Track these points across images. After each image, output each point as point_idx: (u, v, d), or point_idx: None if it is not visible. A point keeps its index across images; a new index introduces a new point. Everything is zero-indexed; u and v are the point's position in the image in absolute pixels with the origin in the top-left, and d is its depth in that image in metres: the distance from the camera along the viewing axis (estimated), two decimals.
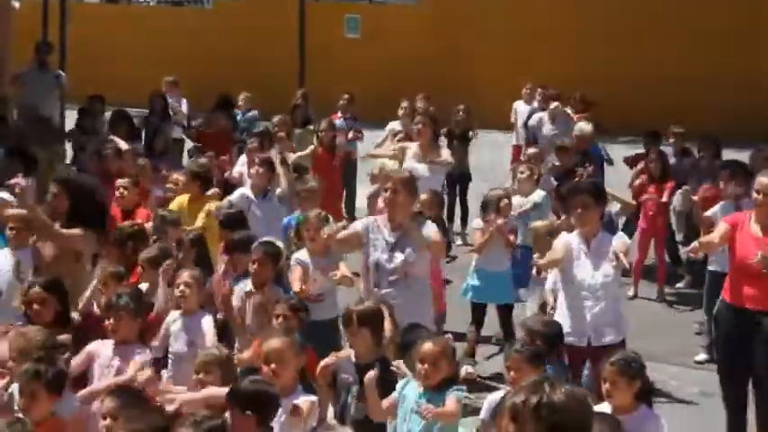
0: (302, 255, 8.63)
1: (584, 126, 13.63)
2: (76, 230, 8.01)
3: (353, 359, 6.82)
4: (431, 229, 8.16)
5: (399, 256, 8.00)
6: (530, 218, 10.75)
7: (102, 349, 6.96)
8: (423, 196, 10.29)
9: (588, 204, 7.98)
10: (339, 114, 15.54)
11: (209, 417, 5.40)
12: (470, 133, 14.95)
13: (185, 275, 7.73)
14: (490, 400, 6.56)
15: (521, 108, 17.02)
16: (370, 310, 6.93)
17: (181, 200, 10.36)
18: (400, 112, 14.84)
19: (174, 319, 7.57)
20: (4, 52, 17.11)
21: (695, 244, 8.30)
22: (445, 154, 11.78)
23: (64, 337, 6.92)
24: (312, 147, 13.44)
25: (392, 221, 8.07)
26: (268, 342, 6.49)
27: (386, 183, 8.26)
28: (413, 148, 11.66)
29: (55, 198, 8.32)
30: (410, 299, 7.91)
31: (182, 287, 7.61)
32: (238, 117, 16.06)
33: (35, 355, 6.18)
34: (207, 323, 7.61)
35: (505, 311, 10.07)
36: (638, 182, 12.50)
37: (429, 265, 8.32)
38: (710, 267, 10.11)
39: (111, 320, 6.94)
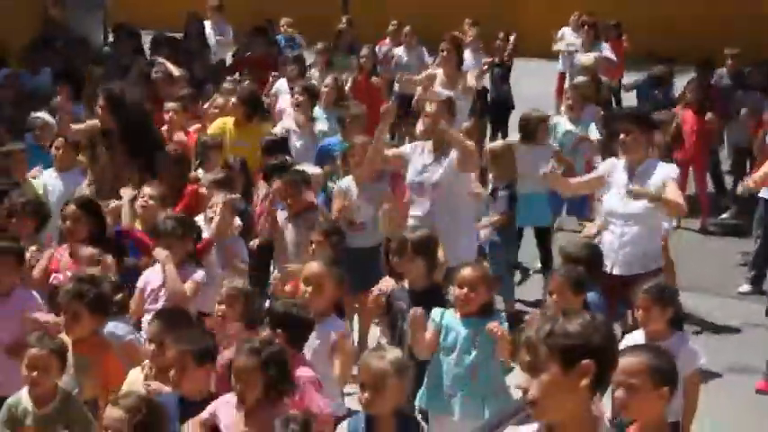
0: (346, 182, 8.61)
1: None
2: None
3: (407, 286, 6.81)
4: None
5: (436, 175, 8.00)
6: (579, 151, 10.70)
7: (152, 275, 6.96)
8: (465, 124, 10.25)
9: (631, 131, 7.84)
10: (387, 40, 15.38)
11: (266, 342, 5.36)
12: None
13: (218, 197, 7.74)
14: None
15: (567, 34, 16.72)
16: (425, 237, 6.89)
17: (223, 122, 10.28)
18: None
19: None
20: None
21: (754, 177, 8.17)
22: (469, 79, 11.63)
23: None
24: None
25: (433, 144, 8.09)
26: (309, 265, 6.50)
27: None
28: (440, 75, 11.52)
29: (103, 111, 8.29)
30: (449, 219, 7.93)
31: (215, 209, 7.62)
32: (281, 43, 15.91)
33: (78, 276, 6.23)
34: (239, 246, 7.68)
35: (544, 234, 10.00)
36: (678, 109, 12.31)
37: (467, 185, 8.27)
38: (764, 195, 9.84)
39: (159, 242, 6.91)
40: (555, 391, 3.30)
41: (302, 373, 5.57)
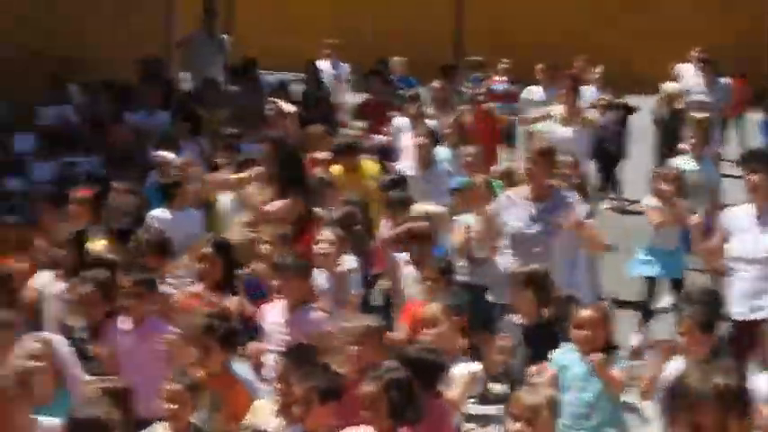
0: (466, 218, 8.64)
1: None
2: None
3: (520, 321, 6.80)
4: (578, 205, 7.99)
5: (539, 226, 7.87)
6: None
7: (270, 310, 7.02)
8: (566, 159, 10.16)
9: (758, 170, 7.68)
10: (497, 78, 15.40)
11: (389, 368, 5.40)
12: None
13: (328, 233, 7.79)
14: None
15: (684, 71, 16.49)
16: (536, 271, 6.90)
17: (335, 169, 10.34)
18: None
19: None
20: (172, 17, 17.45)
21: None
22: (591, 114, 11.53)
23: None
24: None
25: (532, 192, 7.94)
26: (425, 308, 6.52)
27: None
28: (558, 111, 11.48)
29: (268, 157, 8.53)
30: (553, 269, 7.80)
31: (325, 245, 7.68)
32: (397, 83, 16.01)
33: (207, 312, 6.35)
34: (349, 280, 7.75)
35: (677, 284, 9.87)
36: None
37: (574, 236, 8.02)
38: None
39: (280, 281, 6.98)
40: None
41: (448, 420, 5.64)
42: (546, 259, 7.62)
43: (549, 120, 11.40)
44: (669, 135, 13.28)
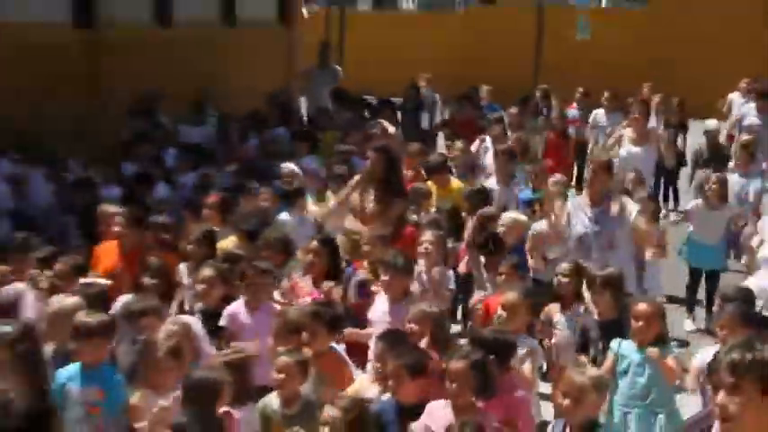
0: (540, 224, 8.61)
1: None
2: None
3: (596, 317, 6.73)
4: (635, 211, 7.98)
5: (599, 228, 7.86)
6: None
7: (376, 302, 7.02)
8: (629, 175, 10.11)
9: None
10: (574, 105, 15.27)
11: (472, 350, 5.40)
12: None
13: (428, 234, 7.79)
14: (701, 358, 6.18)
15: (736, 99, 16.16)
16: (612, 274, 6.84)
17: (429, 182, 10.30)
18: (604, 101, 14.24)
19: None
20: (294, 52, 17.68)
21: None
22: (661, 133, 11.44)
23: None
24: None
25: (591, 199, 7.96)
26: (505, 294, 6.51)
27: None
28: (628, 133, 11.34)
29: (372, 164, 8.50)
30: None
31: (427, 245, 7.68)
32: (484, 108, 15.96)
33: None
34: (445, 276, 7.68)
35: (714, 278, 9.70)
36: None
37: (630, 235, 8.02)
38: None
39: (385, 276, 6.90)
40: (754, 412, 3.27)
41: (519, 393, 5.61)
42: (601, 257, 7.69)
43: (625, 139, 11.38)
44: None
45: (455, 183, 10.35)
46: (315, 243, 7.40)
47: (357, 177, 8.86)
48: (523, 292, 6.55)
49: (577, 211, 8.01)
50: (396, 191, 8.55)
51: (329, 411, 4.96)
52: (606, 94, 14.26)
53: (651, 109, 13.65)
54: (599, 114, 14.05)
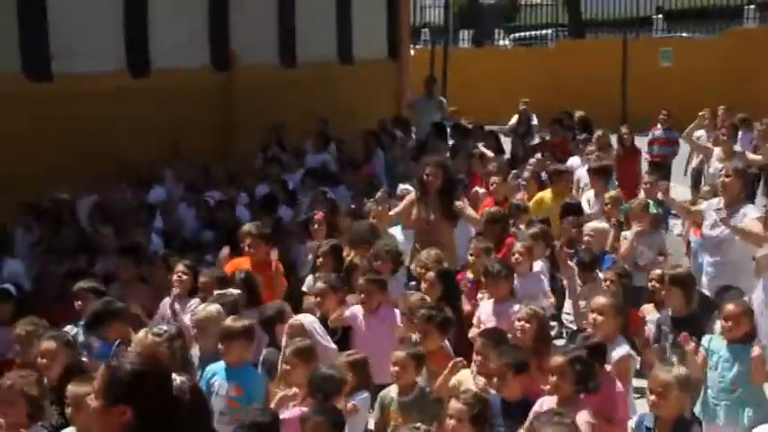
0: (628, 233, 8.39)
1: None
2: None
3: (670, 314, 6.47)
4: (751, 214, 7.58)
5: (720, 230, 7.63)
6: None
7: (483, 305, 6.92)
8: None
9: None
10: (659, 126, 14.85)
11: (576, 347, 5.29)
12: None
13: (519, 245, 7.68)
14: None
15: None
16: (682, 273, 6.58)
17: (542, 195, 10.08)
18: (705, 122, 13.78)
19: None
20: (404, 84, 17.76)
21: None
22: (751, 155, 11.00)
23: None
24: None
25: (725, 201, 7.71)
26: (596, 298, 6.29)
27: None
28: (717, 151, 10.98)
29: (431, 176, 8.29)
30: (728, 269, 7.52)
31: (516, 254, 7.54)
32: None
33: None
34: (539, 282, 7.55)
35: None
36: None
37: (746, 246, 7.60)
38: None
39: (488, 282, 6.87)
40: None
41: (617, 388, 5.44)
42: (722, 260, 7.51)
43: (713, 156, 11.00)
44: None
45: (547, 195, 10.11)
46: (432, 275, 7.04)
47: (413, 192, 8.63)
48: (613, 296, 6.33)
49: (712, 212, 7.81)
50: (452, 202, 8.34)
51: (455, 405, 4.87)
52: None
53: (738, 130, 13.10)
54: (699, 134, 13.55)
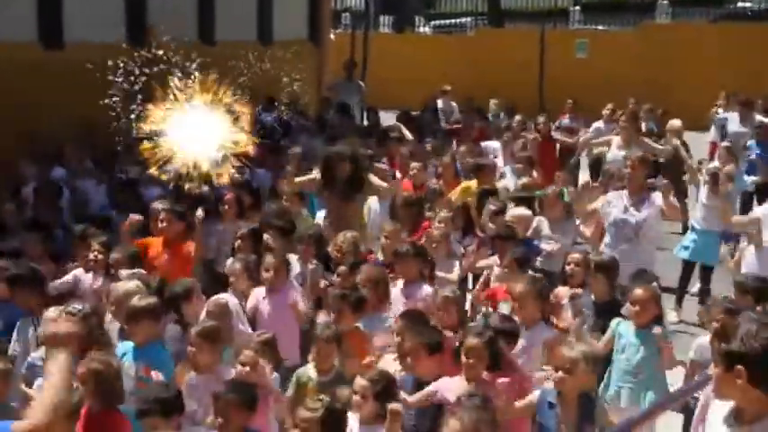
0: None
1: None
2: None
3: (593, 298, 6.60)
4: (658, 201, 7.89)
5: (635, 215, 7.84)
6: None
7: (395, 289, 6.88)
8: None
9: None
10: (566, 114, 15.11)
11: (486, 327, 5.36)
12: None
13: (435, 232, 7.77)
14: (698, 343, 6.01)
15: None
16: (606, 260, 6.75)
17: (469, 184, 9.89)
18: (605, 113, 14.06)
19: None
20: (323, 69, 17.66)
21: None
22: (650, 144, 11.21)
23: None
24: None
25: (630, 190, 7.95)
26: (512, 286, 6.36)
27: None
28: (616, 140, 11.22)
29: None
30: (640, 253, 7.71)
31: (437, 232, 7.66)
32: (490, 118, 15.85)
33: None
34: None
35: (708, 271, 9.49)
36: None
37: (659, 229, 8.05)
38: None
39: (396, 266, 6.90)
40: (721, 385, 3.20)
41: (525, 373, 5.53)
42: (635, 244, 7.73)
43: (612, 144, 11.15)
44: None
45: (465, 182, 10.17)
46: (344, 269, 6.95)
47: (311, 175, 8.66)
48: (530, 282, 6.37)
49: (616, 201, 8.02)
50: (359, 189, 8.39)
51: (360, 382, 4.85)
52: (608, 108, 14.14)
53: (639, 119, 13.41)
54: (599, 125, 13.86)
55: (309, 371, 5.62)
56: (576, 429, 4.84)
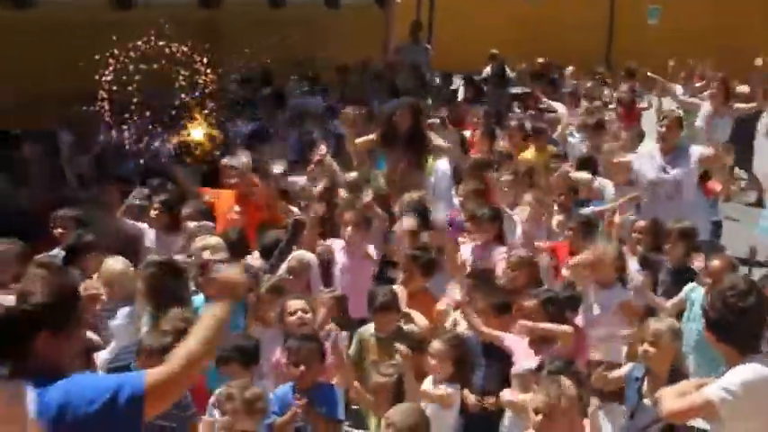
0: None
1: None
2: None
3: (669, 265, 6.58)
4: (696, 153, 7.77)
5: (672, 173, 7.67)
6: None
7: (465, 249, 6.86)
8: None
9: None
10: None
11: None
12: None
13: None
14: None
15: None
16: (688, 226, 6.70)
17: (528, 152, 9.95)
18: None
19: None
20: (389, 32, 17.56)
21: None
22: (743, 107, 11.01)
23: None
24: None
25: (664, 149, 7.77)
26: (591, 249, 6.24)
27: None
28: (705, 107, 10.98)
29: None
30: (683, 210, 7.48)
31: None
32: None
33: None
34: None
35: None
36: None
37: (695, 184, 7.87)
38: None
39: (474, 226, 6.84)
40: None
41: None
42: (675, 203, 7.55)
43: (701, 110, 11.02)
44: None
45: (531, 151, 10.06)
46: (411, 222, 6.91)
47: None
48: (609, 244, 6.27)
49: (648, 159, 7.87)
50: (423, 148, 8.14)
51: (436, 345, 4.86)
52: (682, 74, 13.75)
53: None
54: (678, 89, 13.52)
55: (370, 328, 5.64)
56: None
